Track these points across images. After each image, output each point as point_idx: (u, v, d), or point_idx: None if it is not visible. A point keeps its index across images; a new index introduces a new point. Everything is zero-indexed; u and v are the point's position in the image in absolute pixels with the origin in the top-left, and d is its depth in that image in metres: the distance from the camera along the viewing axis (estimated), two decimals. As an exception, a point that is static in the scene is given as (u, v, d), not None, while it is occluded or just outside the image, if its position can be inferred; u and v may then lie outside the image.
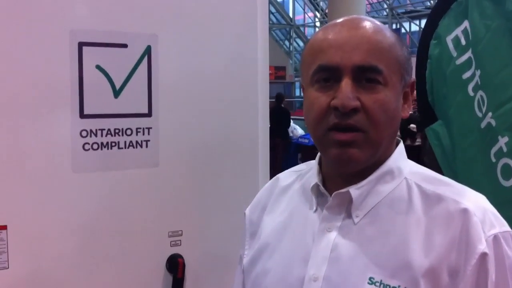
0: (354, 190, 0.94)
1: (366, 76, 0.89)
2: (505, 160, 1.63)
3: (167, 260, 1.64)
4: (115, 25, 1.54)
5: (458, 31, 1.82)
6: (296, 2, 35.72)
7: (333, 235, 0.94)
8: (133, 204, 1.60)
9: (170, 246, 1.65)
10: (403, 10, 26.08)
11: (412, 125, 7.32)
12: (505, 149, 1.62)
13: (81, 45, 1.49)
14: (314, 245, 0.95)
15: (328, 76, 0.91)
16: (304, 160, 10.24)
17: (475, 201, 0.91)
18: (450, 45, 1.85)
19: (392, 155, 0.96)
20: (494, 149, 1.66)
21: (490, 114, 1.66)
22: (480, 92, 1.71)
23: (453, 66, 1.82)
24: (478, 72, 1.72)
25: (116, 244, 1.58)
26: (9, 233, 1.44)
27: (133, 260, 1.61)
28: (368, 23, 0.93)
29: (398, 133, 1.01)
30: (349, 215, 0.94)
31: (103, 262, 1.56)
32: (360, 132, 0.89)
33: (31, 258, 1.47)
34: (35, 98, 1.46)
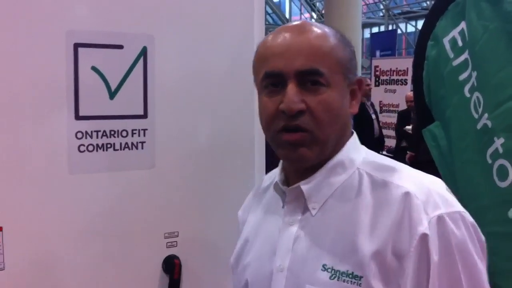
0: (304, 185, 1.01)
1: (309, 79, 0.95)
2: (501, 161, 1.63)
3: (164, 261, 1.64)
4: (111, 26, 1.54)
5: (455, 32, 1.82)
6: (292, 3, 35.77)
7: (295, 228, 1.01)
8: (129, 206, 1.59)
9: (166, 247, 1.65)
10: (399, 11, 26.12)
11: (408, 127, 7.32)
12: (501, 150, 1.62)
13: (77, 46, 1.49)
14: (279, 239, 1.03)
15: (275, 81, 0.98)
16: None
17: (420, 185, 0.95)
18: (447, 46, 1.85)
19: (343, 148, 1.02)
20: (490, 150, 1.66)
21: (486, 115, 1.66)
22: (476, 94, 1.71)
23: (450, 67, 1.82)
24: (474, 74, 1.72)
25: (113, 245, 1.58)
26: (4, 234, 1.43)
27: (130, 261, 1.60)
28: (310, 29, 1.00)
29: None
30: (306, 208, 1.01)
31: (100, 263, 1.56)
32: (307, 132, 0.96)
33: (27, 259, 1.47)
34: (31, 99, 1.45)
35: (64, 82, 1.48)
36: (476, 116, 1.72)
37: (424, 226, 0.89)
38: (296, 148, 0.97)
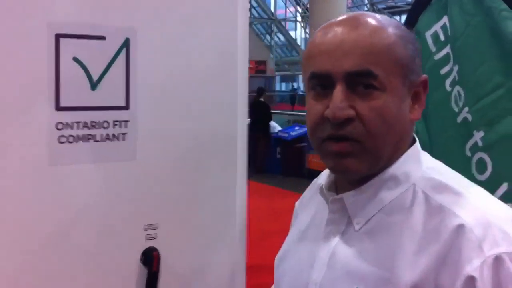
0: (348, 197, 0.90)
1: (361, 82, 0.84)
2: (480, 154, 1.65)
3: (142, 253, 1.64)
4: (93, 17, 1.52)
5: (437, 27, 1.84)
6: (277, -4, 35.61)
7: (335, 240, 0.91)
8: (109, 197, 1.58)
9: (146, 239, 1.64)
10: (384, 6, 26.23)
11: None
12: (480, 144, 1.64)
13: (58, 36, 1.47)
14: (319, 250, 0.94)
15: (323, 82, 0.87)
16: (283, 154, 10.28)
17: (480, 215, 0.81)
18: (429, 41, 1.86)
19: (398, 160, 0.89)
20: (469, 144, 1.68)
21: (466, 109, 1.68)
22: (457, 87, 1.73)
23: (431, 61, 1.84)
24: (456, 68, 1.73)
25: (92, 237, 1.57)
26: (-17, 226, 1.42)
27: (109, 253, 1.59)
28: (365, 22, 0.87)
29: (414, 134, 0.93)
30: (351, 222, 0.91)
31: (78, 255, 1.55)
32: (355, 142, 0.84)
33: (5, 252, 1.45)
34: (12, 89, 1.43)
35: (45, 72, 1.46)
36: (456, 109, 1.74)
37: (473, 266, 0.76)
38: (343, 159, 0.85)
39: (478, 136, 1.65)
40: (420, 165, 0.91)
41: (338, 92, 0.84)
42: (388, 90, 0.84)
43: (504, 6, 1.57)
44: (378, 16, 0.90)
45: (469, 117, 1.67)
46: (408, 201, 0.86)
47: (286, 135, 10.42)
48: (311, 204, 1.06)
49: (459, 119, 1.72)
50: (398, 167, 0.89)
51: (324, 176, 1.04)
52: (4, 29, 1.42)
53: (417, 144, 0.93)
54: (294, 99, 29.55)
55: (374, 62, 0.84)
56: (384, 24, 0.88)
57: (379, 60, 0.84)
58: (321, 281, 0.91)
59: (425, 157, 0.94)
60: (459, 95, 1.72)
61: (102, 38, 1.53)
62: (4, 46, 1.42)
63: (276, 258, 1.09)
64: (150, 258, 1.62)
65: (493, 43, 1.61)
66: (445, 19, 1.80)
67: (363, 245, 0.88)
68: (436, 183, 0.87)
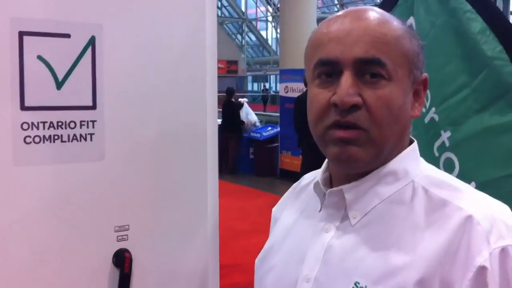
0: (347, 189, 0.89)
1: (368, 70, 0.83)
2: (447, 154, 1.67)
3: (114, 255, 1.62)
4: (58, 14, 1.50)
5: (404, 28, 1.86)
6: (248, -4, 35.61)
7: (329, 235, 0.90)
8: (78, 198, 1.56)
9: (117, 240, 1.63)
10: (353, 6, 26.42)
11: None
12: (447, 143, 1.66)
13: (22, 34, 1.44)
14: (310, 245, 0.92)
15: (329, 70, 0.86)
16: (255, 154, 10.25)
17: (485, 209, 0.82)
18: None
19: (398, 156, 0.89)
20: (437, 144, 1.70)
21: (433, 109, 1.70)
22: (424, 88, 1.75)
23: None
24: (422, 68, 1.76)
25: (61, 239, 1.55)
26: None
27: (80, 255, 1.58)
28: (373, 14, 0.87)
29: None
30: (346, 216, 0.89)
31: (47, 258, 1.53)
32: (361, 130, 0.83)
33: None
34: (-27, 89, 1.40)
35: (8, 71, 1.44)
36: (423, 110, 1.76)
37: (483, 257, 0.77)
38: (347, 147, 0.84)
39: (445, 136, 1.67)
40: (419, 163, 0.91)
41: (347, 78, 0.83)
42: (395, 80, 0.84)
43: (469, 7, 1.60)
44: (382, 10, 0.90)
45: (436, 117, 1.70)
46: (408, 196, 0.86)
47: (258, 135, 10.42)
48: (295, 204, 1.06)
49: (427, 119, 1.74)
50: (398, 163, 0.89)
51: (310, 176, 1.05)
52: (-34, 26, 1.38)
53: (415, 144, 0.93)
54: (266, 99, 29.61)
55: (383, 51, 0.83)
56: (390, 18, 0.88)
57: (388, 50, 0.84)
58: (316, 276, 0.89)
59: (421, 158, 0.94)
60: (426, 95, 1.74)
61: (67, 36, 1.50)
62: (-34, 44, 1.39)
63: (257, 259, 1.07)
64: (122, 260, 1.61)
65: (457, 43, 1.63)
66: (411, 20, 1.82)
67: (361, 239, 0.86)
68: (435, 180, 0.88)
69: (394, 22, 0.87)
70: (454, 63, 1.64)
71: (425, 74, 0.90)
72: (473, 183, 1.61)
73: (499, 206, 0.85)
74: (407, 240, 0.82)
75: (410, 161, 0.90)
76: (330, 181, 0.95)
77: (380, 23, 0.86)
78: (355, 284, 0.84)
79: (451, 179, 0.90)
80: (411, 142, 0.93)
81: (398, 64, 0.84)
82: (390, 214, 0.86)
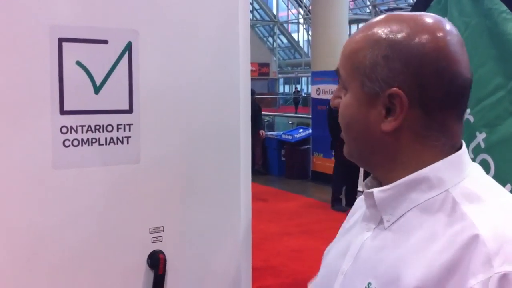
0: (377, 192, 0.91)
1: None
2: (482, 155, 1.66)
3: (149, 256, 1.64)
4: (96, 21, 1.53)
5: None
6: (279, -1, 35.62)
7: (367, 235, 0.94)
8: (114, 200, 1.59)
9: (152, 242, 1.65)
10: (386, 7, 26.22)
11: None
12: (483, 145, 1.64)
13: (61, 41, 1.48)
14: (353, 242, 0.96)
15: None
16: (287, 156, 10.23)
17: (500, 229, 0.79)
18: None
19: (435, 164, 0.87)
20: (472, 145, 1.69)
21: (468, 110, 1.69)
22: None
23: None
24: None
25: (97, 241, 1.58)
26: (-12, 229, 1.43)
27: (115, 256, 1.60)
28: (365, 28, 0.92)
29: (462, 142, 0.92)
30: (382, 218, 0.92)
31: (84, 259, 1.56)
32: None
33: (10, 255, 1.46)
34: (15, 94, 1.45)
35: (48, 76, 1.48)
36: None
37: (477, 279, 0.75)
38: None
39: (480, 137, 1.66)
40: (461, 173, 0.88)
41: (338, 85, 0.96)
42: (350, 91, 0.91)
43: (504, 7, 1.58)
44: (384, 19, 0.90)
45: (471, 119, 1.68)
46: (436, 206, 0.86)
47: (290, 137, 10.42)
48: (360, 199, 1.08)
49: (462, 120, 1.72)
50: (432, 171, 0.87)
51: None
52: (7, 33, 1.43)
53: (460, 153, 0.90)
54: (297, 102, 29.55)
55: (341, 64, 0.93)
56: (368, 30, 0.90)
57: (344, 63, 0.93)
58: (347, 271, 0.94)
59: (473, 168, 0.92)
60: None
61: (105, 42, 1.54)
62: (7, 50, 1.43)
63: (325, 251, 1.12)
64: (157, 261, 1.63)
65: (492, 44, 1.61)
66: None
67: (386, 243, 0.89)
68: (469, 192, 0.86)
69: (361, 35, 0.90)
70: (489, 64, 1.62)
71: (393, 89, 0.85)
72: (508, 185, 1.59)
73: None
74: (419, 250, 0.82)
75: (448, 171, 0.88)
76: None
77: (353, 36, 0.93)
78: (368, 283, 0.87)
79: (490, 193, 0.87)
80: (457, 149, 0.90)
81: (350, 77, 0.90)
82: (416, 222, 0.86)
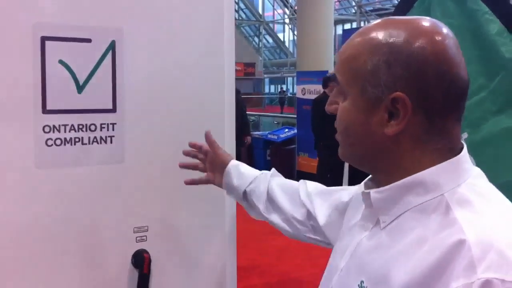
0: (373, 193, 0.93)
1: None
2: (465, 156, 1.66)
3: (133, 256, 1.64)
4: (79, 19, 1.52)
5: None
6: (265, -1, 35.65)
7: (364, 234, 0.96)
8: (98, 200, 1.59)
9: (136, 241, 1.65)
10: (371, 8, 26.36)
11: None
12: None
13: (44, 39, 1.47)
14: (352, 240, 0.99)
15: None
16: (272, 156, 10.22)
17: (486, 235, 0.79)
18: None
19: (431, 168, 0.88)
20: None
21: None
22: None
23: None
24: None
25: (81, 240, 1.57)
26: (-31, 230, 1.41)
27: (99, 255, 1.60)
28: (360, 32, 0.92)
29: (464, 150, 0.91)
30: (379, 219, 0.94)
31: (68, 258, 1.55)
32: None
33: (-8, 256, 1.45)
34: (-3, 93, 1.43)
35: (31, 75, 1.47)
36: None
37: (458, 283, 0.75)
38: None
39: (463, 137, 1.67)
40: (458, 178, 0.88)
41: (334, 90, 0.96)
42: (348, 97, 0.91)
43: (487, 9, 1.60)
44: (381, 24, 0.91)
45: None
46: (430, 210, 0.86)
47: (275, 137, 10.43)
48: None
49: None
50: (429, 175, 0.88)
51: None
52: (-10, 32, 1.42)
53: (459, 157, 0.89)
54: (283, 101, 29.60)
55: (339, 69, 0.93)
56: (365, 35, 0.90)
57: (341, 68, 0.92)
58: (343, 267, 0.97)
59: (472, 173, 0.91)
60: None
61: (88, 40, 1.53)
62: (-10, 49, 1.42)
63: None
64: (141, 260, 1.63)
65: (475, 45, 1.63)
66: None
67: (380, 243, 0.91)
68: (463, 198, 0.86)
69: (359, 40, 0.91)
70: (472, 65, 1.64)
71: (396, 93, 0.85)
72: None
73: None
74: (408, 252, 0.83)
75: (446, 174, 0.88)
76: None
77: (348, 42, 0.93)
78: (360, 282, 0.90)
79: (484, 199, 0.86)
80: (456, 153, 0.89)
81: (349, 83, 0.90)
82: (409, 224, 0.87)
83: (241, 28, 36.12)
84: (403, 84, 0.85)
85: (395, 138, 0.88)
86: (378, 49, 0.87)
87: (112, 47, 1.57)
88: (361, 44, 0.89)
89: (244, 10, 36.09)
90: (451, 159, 0.89)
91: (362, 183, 1.06)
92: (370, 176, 1.00)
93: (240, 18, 35.50)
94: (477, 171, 0.93)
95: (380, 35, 0.88)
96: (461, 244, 0.78)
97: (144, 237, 1.66)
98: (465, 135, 1.64)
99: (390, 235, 0.89)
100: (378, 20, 0.93)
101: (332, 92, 0.97)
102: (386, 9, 23.71)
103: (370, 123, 0.89)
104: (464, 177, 0.89)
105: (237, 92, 8.87)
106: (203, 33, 1.72)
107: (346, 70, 0.91)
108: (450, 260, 0.78)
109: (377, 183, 0.96)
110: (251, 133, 10.51)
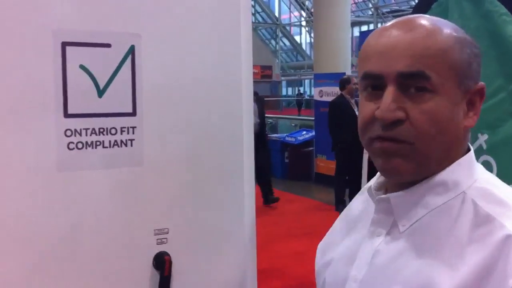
0: (394, 198, 0.90)
1: (413, 84, 0.83)
2: (485, 157, 1.66)
3: (154, 258, 1.65)
4: (99, 25, 1.55)
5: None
6: (281, 2, 35.70)
7: (379, 240, 0.91)
8: (119, 203, 1.61)
9: (157, 244, 1.66)
10: (388, 10, 26.23)
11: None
12: (484, 146, 1.65)
13: (64, 45, 1.50)
14: (361, 247, 0.94)
15: (374, 83, 0.87)
16: (290, 158, 10.21)
17: None
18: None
19: (450, 166, 0.87)
20: (474, 147, 1.69)
21: (469, 112, 1.69)
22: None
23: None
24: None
25: (102, 243, 1.59)
26: (-7, 232, 1.44)
27: (120, 258, 1.61)
28: (421, 25, 0.86)
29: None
30: (396, 223, 0.90)
31: (89, 261, 1.57)
32: (405, 143, 0.84)
33: (14, 258, 1.47)
34: (20, 98, 1.46)
35: (52, 80, 1.49)
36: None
37: None
38: (391, 158, 0.85)
39: (482, 139, 1.66)
40: (473, 174, 0.89)
41: (389, 93, 0.84)
42: (441, 93, 0.83)
43: (505, 10, 1.59)
44: (434, 18, 0.88)
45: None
46: (456, 208, 0.85)
47: (293, 139, 10.42)
48: (360, 202, 1.07)
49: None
50: (449, 174, 0.87)
51: (374, 177, 1.04)
52: (12, 38, 1.45)
53: (471, 153, 0.91)
54: (300, 104, 29.56)
55: (428, 64, 0.83)
56: (440, 27, 0.86)
57: (433, 63, 0.83)
58: (363, 278, 0.91)
59: (479, 168, 0.92)
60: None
61: (108, 45, 1.55)
62: (12, 55, 1.45)
63: (319, 246, 1.11)
64: (162, 263, 1.64)
65: (493, 46, 1.62)
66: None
67: (405, 248, 0.87)
68: (487, 193, 0.85)
69: (443, 32, 0.85)
70: (490, 66, 1.63)
71: (481, 83, 0.88)
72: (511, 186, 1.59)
73: None
74: (447, 255, 0.81)
75: (463, 172, 0.88)
76: (385, 185, 0.96)
77: (427, 35, 0.84)
78: None
79: (506, 193, 0.86)
80: (468, 150, 0.91)
81: (444, 77, 0.83)
82: (436, 226, 0.85)
83: (258, 31, 36.16)
84: (479, 75, 0.88)
85: (467, 131, 0.88)
86: (464, 41, 0.86)
87: (131, 51, 1.59)
88: (445, 36, 0.85)
89: (260, 13, 36.13)
90: (465, 156, 0.89)
91: (364, 191, 1.04)
92: (377, 181, 0.97)
93: (257, 21, 35.53)
94: (481, 166, 0.93)
95: (449, 28, 0.87)
96: (509, 239, 0.77)
97: (165, 239, 1.67)
98: (484, 137, 1.64)
99: (414, 239, 0.87)
100: (417, 16, 0.89)
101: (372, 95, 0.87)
102: (403, 10, 23.58)
103: (459, 117, 0.86)
104: (477, 173, 0.89)
105: (255, 94, 8.79)
106: (220, 36, 1.74)
107: (439, 63, 0.83)
108: (499, 257, 0.77)
109: (398, 186, 0.91)
110: (269, 135, 10.52)
